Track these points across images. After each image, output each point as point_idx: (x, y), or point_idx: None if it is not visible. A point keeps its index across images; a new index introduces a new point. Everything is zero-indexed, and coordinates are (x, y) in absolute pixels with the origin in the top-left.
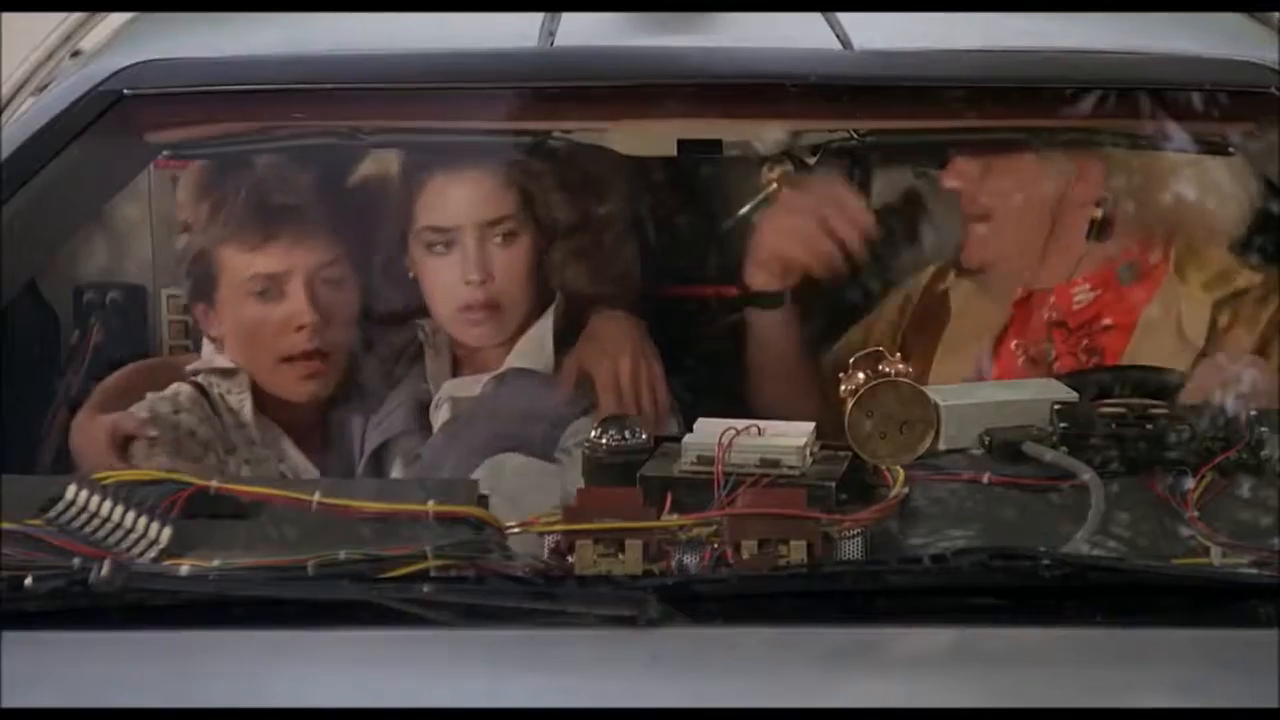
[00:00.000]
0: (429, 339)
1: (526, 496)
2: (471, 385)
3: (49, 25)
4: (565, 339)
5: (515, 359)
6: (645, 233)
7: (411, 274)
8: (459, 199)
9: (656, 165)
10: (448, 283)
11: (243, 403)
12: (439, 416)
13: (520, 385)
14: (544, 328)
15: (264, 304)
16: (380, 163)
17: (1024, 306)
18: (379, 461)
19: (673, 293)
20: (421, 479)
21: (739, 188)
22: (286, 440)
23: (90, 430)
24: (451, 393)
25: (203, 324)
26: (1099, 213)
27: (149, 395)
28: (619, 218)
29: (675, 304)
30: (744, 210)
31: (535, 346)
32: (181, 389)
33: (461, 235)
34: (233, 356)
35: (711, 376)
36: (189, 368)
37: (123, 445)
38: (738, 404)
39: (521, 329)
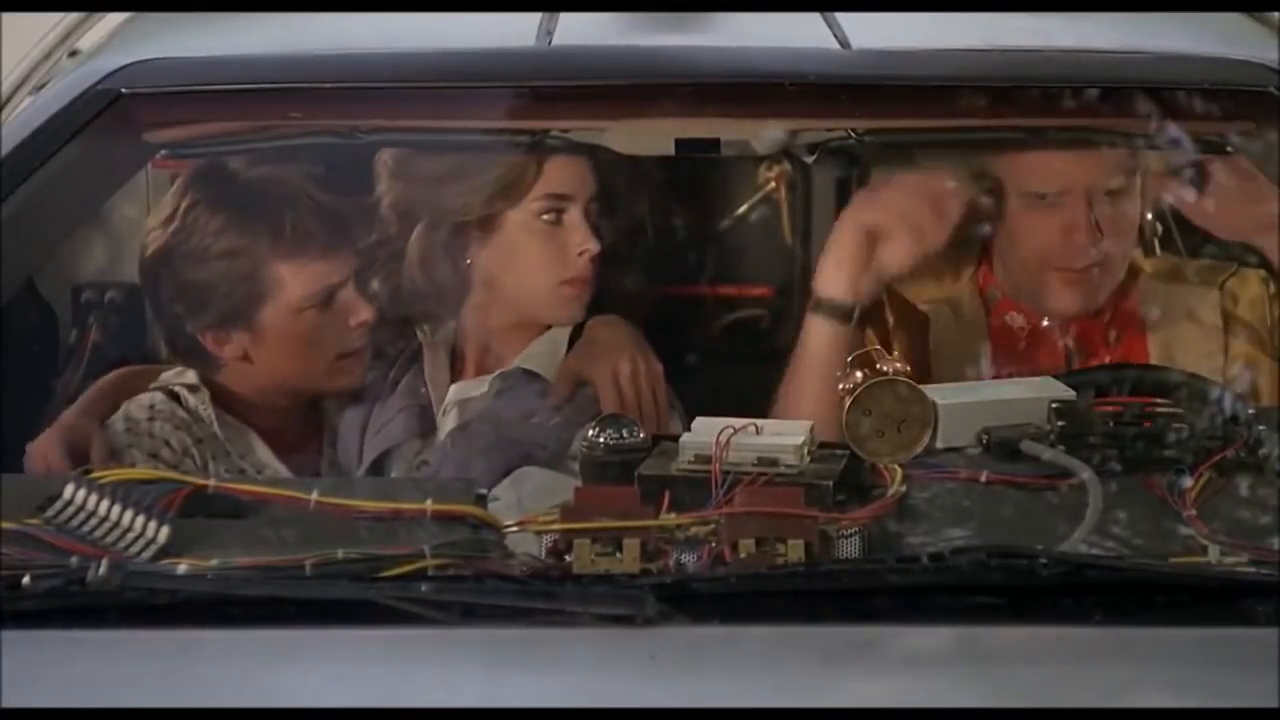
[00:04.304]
0: (428, 340)
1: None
2: (480, 388)
3: (47, 24)
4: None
5: (525, 361)
6: (658, 234)
7: (468, 260)
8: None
9: (668, 166)
10: (546, 259)
11: (210, 415)
12: (447, 421)
13: (529, 389)
14: (558, 330)
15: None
16: (376, 162)
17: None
18: (381, 470)
19: (686, 292)
20: (418, 478)
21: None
22: (263, 448)
23: (66, 440)
24: (460, 396)
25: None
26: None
27: (124, 404)
28: (631, 220)
29: (690, 304)
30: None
31: (549, 349)
32: (155, 397)
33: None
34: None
35: (723, 376)
36: (159, 379)
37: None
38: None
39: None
